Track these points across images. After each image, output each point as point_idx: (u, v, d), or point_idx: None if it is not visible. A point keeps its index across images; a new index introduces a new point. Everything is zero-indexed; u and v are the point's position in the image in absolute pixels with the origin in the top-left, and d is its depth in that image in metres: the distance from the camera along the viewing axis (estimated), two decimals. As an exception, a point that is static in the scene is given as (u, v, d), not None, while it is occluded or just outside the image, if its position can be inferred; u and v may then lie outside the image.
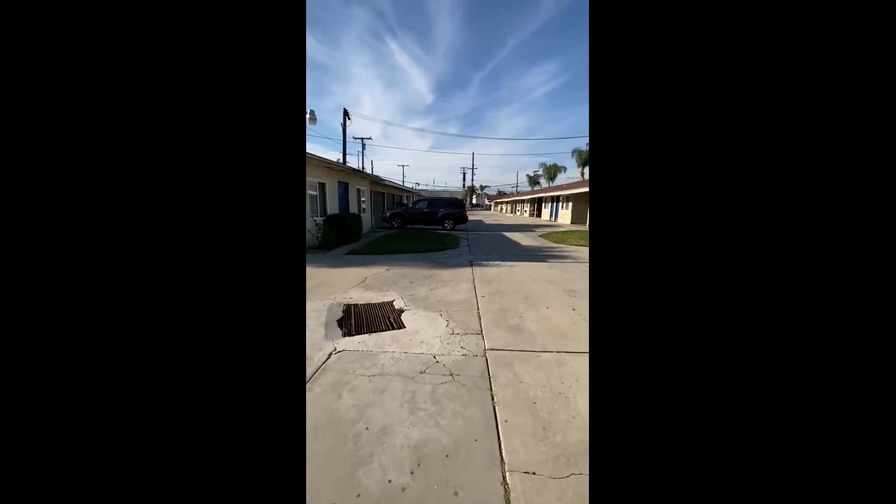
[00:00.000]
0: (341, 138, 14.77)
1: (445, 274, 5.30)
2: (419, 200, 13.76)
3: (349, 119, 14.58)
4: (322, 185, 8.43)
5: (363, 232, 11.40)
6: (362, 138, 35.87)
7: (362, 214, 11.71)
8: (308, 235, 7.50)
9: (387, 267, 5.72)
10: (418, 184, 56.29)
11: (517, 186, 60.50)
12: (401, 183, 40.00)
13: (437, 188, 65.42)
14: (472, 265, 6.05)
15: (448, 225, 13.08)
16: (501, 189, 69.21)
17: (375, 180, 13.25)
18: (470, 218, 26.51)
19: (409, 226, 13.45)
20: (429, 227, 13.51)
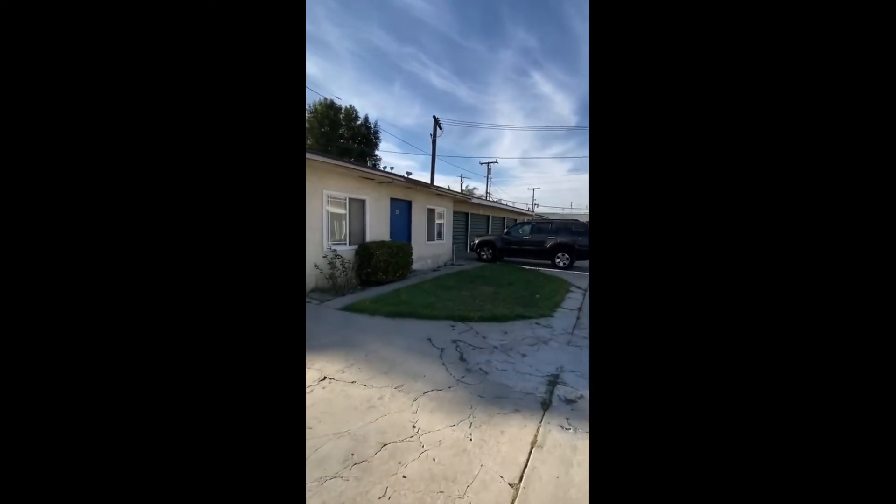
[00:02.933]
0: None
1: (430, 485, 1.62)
2: (521, 224, 9.93)
3: (440, 129, 12.57)
4: (359, 203, 6.13)
5: (430, 266, 8.57)
6: (488, 162, 34.77)
7: (439, 242, 8.98)
8: (316, 272, 5.16)
9: (329, 375, 2.50)
10: (538, 204, 48.46)
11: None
12: (524, 206, 36.39)
13: (574, 212, 57.65)
14: (546, 408, 2.07)
15: (562, 261, 8.69)
16: (661, 212, 54.19)
17: (462, 199, 10.36)
18: None
19: (507, 258, 9.80)
20: (533, 262, 9.47)
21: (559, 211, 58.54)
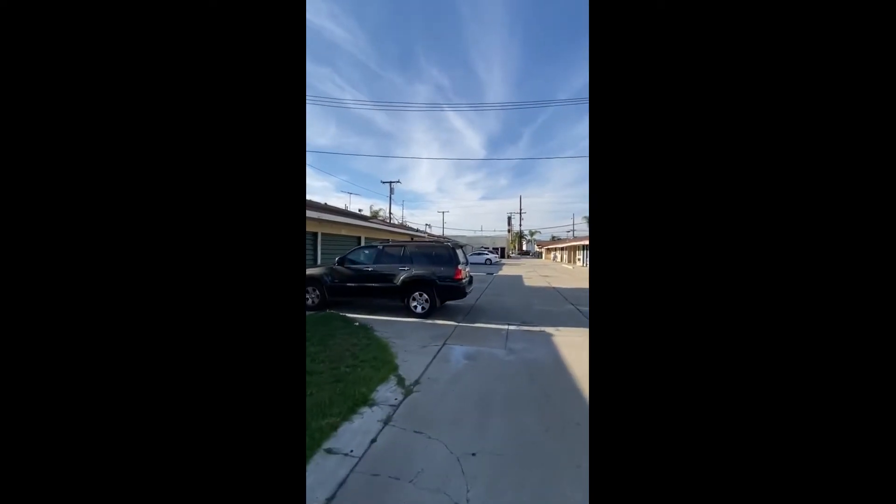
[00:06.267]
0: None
1: None
2: (363, 248, 6.64)
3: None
4: None
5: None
6: (390, 182, 31.82)
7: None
8: None
9: None
10: (429, 225, 46.14)
11: (574, 230, 50.75)
12: (414, 226, 34.30)
13: (486, 234, 58.60)
14: None
15: (419, 305, 5.61)
16: (556, 235, 59.69)
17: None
18: (507, 272, 16.81)
19: (347, 298, 6.28)
20: (379, 306, 6.16)
21: (469, 233, 59.08)
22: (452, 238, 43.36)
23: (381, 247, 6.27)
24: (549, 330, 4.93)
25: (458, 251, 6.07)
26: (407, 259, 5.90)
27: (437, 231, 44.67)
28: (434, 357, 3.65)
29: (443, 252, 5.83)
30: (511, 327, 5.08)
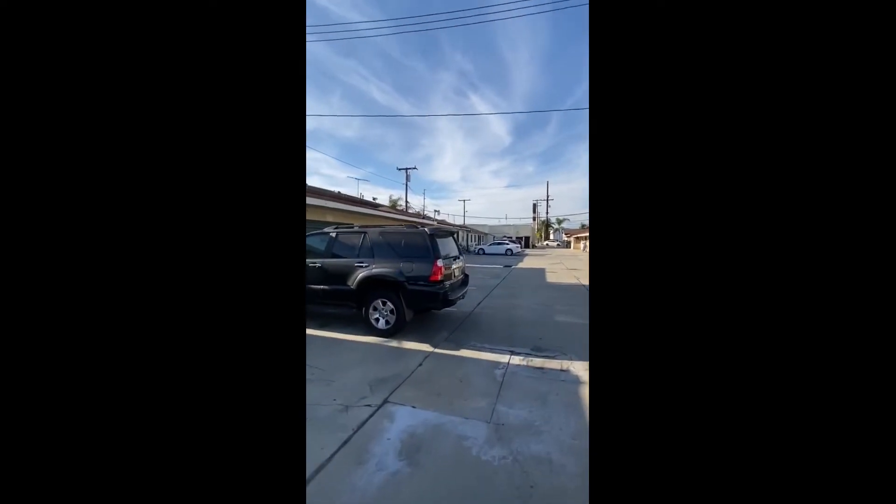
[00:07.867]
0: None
1: None
2: (310, 235, 4.92)
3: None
4: None
5: None
6: (406, 168, 30.18)
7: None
8: None
9: None
10: (437, 212, 40.33)
11: (607, 217, 46.17)
12: (426, 213, 32.35)
13: (510, 223, 55.46)
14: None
15: (382, 317, 3.89)
16: (586, 223, 55.38)
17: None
18: (529, 264, 14.11)
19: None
20: (331, 317, 4.48)
21: (493, 222, 56.09)
22: (474, 227, 40.72)
23: (333, 234, 4.54)
24: (575, 367, 2.98)
25: (442, 240, 4.20)
26: (367, 251, 4.13)
27: (458, 220, 42.49)
28: (344, 443, 1.88)
29: (416, 241, 3.97)
30: (514, 359, 3.18)
